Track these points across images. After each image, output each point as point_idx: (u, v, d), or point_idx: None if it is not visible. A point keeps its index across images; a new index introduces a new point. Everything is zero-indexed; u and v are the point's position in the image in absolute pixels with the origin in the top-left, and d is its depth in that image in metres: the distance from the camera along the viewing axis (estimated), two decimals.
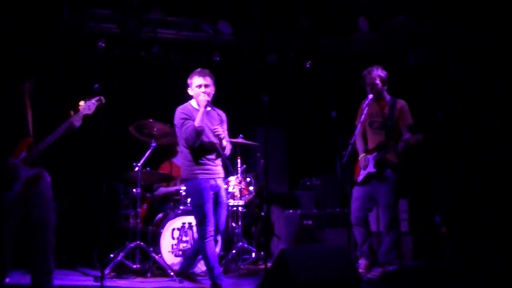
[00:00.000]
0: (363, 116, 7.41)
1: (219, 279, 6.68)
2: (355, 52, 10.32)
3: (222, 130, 6.79)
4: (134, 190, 7.92)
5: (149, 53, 9.45)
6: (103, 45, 9.00)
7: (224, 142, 6.79)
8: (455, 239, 8.06)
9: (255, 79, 10.07)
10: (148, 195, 8.58)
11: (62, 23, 8.41)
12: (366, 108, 7.41)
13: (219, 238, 7.76)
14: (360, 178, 7.64)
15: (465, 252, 7.95)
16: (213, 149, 6.74)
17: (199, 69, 6.91)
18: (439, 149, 9.00)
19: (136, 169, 7.83)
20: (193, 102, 6.91)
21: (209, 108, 6.85)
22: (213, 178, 6.77)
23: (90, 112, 6.43)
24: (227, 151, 6.89)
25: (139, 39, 9.21)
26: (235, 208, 8.25)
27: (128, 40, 9.14)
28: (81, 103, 6.43)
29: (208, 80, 6.83)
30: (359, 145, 7.73)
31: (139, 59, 9.52)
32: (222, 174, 6.92)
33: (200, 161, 6.73)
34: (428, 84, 8.99)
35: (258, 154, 8.78)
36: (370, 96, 7.36)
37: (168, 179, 8.65)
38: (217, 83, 9.65)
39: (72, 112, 6.35)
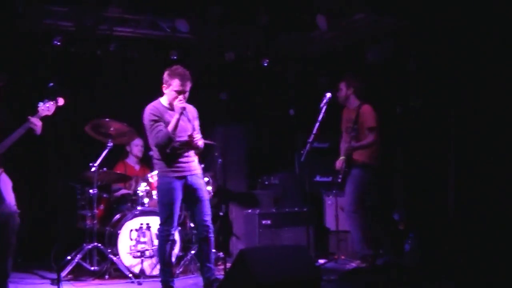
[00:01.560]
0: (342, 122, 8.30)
1: (173, 282, 6.63)
2: (314, 50, 10.32)
3: (195, 131, 6.56)
4: (90, 190, 7.82)
5: (106, 51, 9.33)
6: (59, 43, 8.87)
7: (200, 142, 6.56)
8: (414, 236, 8.10)
9: (213, 77, 10.02)
10: (105, 195, 8.48)
11: (17, 19, 8.25)
12: (344, 115, 8.30)
13: (177, 238, 7.73)
14: (340, 179, 8.10)
15: (424, 248, 8.00)
16: (188, 147, 6.53)
17: (180, 69, 6.54)
18: (397, 146, 9.07)
19: (93, 169, 7.71)
20: (163, 100, 6.62)
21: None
22: (186, 177, 6.53)
23: (49, 113, 6.40)
24: (201, 145, 6.63)
25: (96, 36, 9.09)
26: None
27: (84, 37, 9.02)
28: (40, 104, 6.36)
29: (188, 87, 6.49)
30: (341, 148, 8.31)
31: (96, 57, 9.40)
32: (197, 171, 6.65)
33: (172, 159, 6.50)
34: (387, 81, 9.03)
35: (216, 154, 8.73)
36: (328, 94, 7.40)
37: (125, 179, 8.58)
38: None
39: (29, 117, 6.27)
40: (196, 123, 6.68)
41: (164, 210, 6.52)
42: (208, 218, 6.61)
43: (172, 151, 6.46)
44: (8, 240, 6.33)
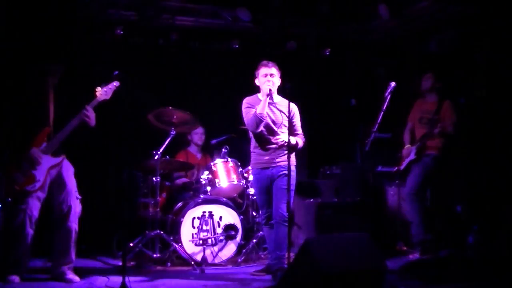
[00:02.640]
0: (414, 113, 8.45)
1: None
2: (375, 39, 10.20)
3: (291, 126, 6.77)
4: (153, 178, 7.87)
5: (167, 41, 9.40)
6: (121, 32, 8.94)
7: (292, 140, 6.66)
8: (478, 228, 7.97)
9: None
10: (167, 183, 8.53)
11: (80, 10, 8.33)
12: (417, 106, 8.44)
13: (239, 226, 7.75)
14: (403, 166, 8.31)
15: (488, 242, 7.86)
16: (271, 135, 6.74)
17: (265, 61, 6.81)
18: (461, 137, 8.89)
19: (156, 157, 7.76)
20: (259, 95, 6.86)
21: (273, 100, 6.79)
22: (269, 168, 6.75)
23: (107, 97, 6.44)
24: (298, 144, 6.79)
25: (158, 26, 9.14)
26: (255, 197, 8.18)
27: (146, 27, 9.07)
28: (98, 89, 6.42)
29: (273, 70, 6.75)
30: (406, 138, 8.53)
31: (158, 46, 9.46)
32: (282, 163, 6.71)
33: (259, 150, 6.81)
34: (450, 71, 8.87)
35: None
36: (393, 83, 7.28)
37: (187, 168, 8.60)
38: (237, 71, 9.65)
39: (86, 106, 6.33)
40: (296, 119, 6.95)
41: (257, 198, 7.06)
42: (281, 205, 6.66)
43: (260, 142, 6.80)
44: (70, 225, 6.42)
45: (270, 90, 6.64)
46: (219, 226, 7.76)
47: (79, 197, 6.52)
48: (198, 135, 9.02)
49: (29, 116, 6.29)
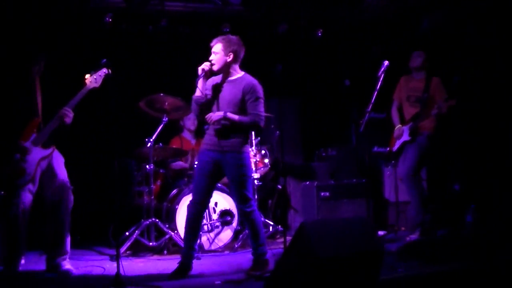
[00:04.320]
0: (400, 91, 8.27)
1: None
2: (367, 19, 10.09)
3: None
4: (147, 166, 7.81)
5: (157, 27, 9.29)
6: (110, 20, 8.84)
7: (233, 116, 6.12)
8: (475, 207, 7.92)
9: (266, 50, 9.89)
10: (161, 171, 8.46)
11: None
12: (404, 83, 8.23)
13: (235, 212, 7.69)
14: (396, 147, 8.15)
15: (486, 220, 7.81)
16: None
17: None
18: (456, 116, 8.82)
19: (149, 145, 7.70)
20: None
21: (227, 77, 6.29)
22: (214, 151, 6.24)
23: (97, 85, 6.36)
24: (243, 122, 6.14)
25: (146, 12, 9.04)
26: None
27: (135, 14, 8.97)
28: (87, 76, 6.33)
29: (216, 47, 6.21)
30: (395, 117, 8.27)
31: (147, 33, 9.37)
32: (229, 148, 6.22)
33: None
34: (443, 49, 8.79)
35: (272, 126, 8.62)
36: (386, 62, 7.19)
37: (181, 154, 8.53)
38: None
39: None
40: (248, 97, 6.18)
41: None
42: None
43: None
44: (63, 216, 6.34)
45: (202, 69, 6.15)
46: (214, 212, 7.70)
47: (71, 187, 6.43)
48: (190, 120, 8.92)
49: (16, 107, 6.20)
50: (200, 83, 6.21)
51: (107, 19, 8.86)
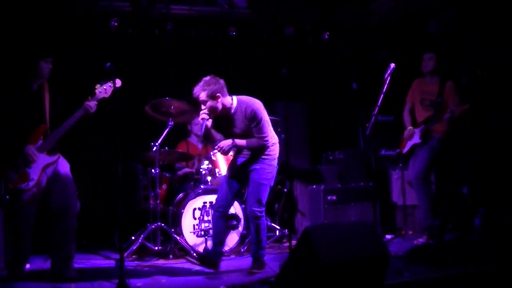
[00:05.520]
0: (413, 93, 8.27)
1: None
2: (374, 22, 10.06)
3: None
4: (153, 170, 7.79)
5: (163, 31, 9.28)
6: (116, 24, 8.84)
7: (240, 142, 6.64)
8: (484, 210, 7.86)
9: (272, 53, 9.88)
10: (167, 175, 8.45)
11: (72, 1, 8.24)
12: (417, 86, 8.24)
13: (241, 216, 7.69)
14: (406, 149, 8.18)
15: (495, 224, 7.75)
16: None
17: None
18: (464, 118, 8.77)
19: (154, 149, 7.68)
20: None
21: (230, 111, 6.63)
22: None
23: (106, 95, 6.37)
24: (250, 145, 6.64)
25: (152, 16, 9.04)
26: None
27: (141, 18, 8.97)
28: (97, 86, 6.34)
29: (201, 96, 6.47)
30: (407, 119, 8.32)
31: (153, 37, 9.36)
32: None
33: None
34: (451, 51, 8.73)
35: (279, 129, 8.59)
36: (392, 65, 7.14)
37: (187, 158, 8.50)
38: (234, 59, 9.53)
39: (89, 97, 6.26)
40: (253, 124, 6.55)
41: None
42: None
43: None
44: (69, 221, 6.35)
45: (202, 119, 6.49)
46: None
47: (76, 192, 6.44)
48: (198, 126, 8.85)
49: (23, 112, 6.19)
50: (209, 133, 6.65)
51: (113, 23, 8.85)
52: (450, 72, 8.24)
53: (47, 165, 6.20)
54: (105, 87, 6.35)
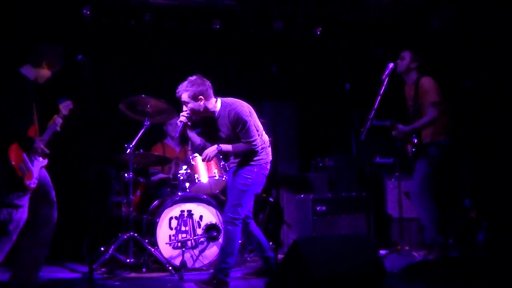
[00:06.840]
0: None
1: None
2: (371, 17, 10.06)
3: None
4: (126, 174, 7.72)
5: (140, 22, 9.24)
6: (88, 12, 8.77)
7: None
8: (488, 225, 7.86)
9: (260, 49, 9.87)
10: (142, 180, 8.38)
11: None
12: (405, 92, 8.01)
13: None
14: (410, 153, 7.97)
15: (498, 239, 7.76)
16: None
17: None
18: (467, 125, 8.77)
19: (128, 151, 7.60)
20: None
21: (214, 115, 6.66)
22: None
23: (66, 113, 6.54)
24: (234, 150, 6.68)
25: (129, 5, 9.00)
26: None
27: (116, 6, 8.91)
28: (61, 101, 6.54)
29: (183, 96, 6.48)
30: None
31: (130, 28, 9.31)
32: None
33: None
34: (455, 50, 8.74)
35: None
36: (391, 65, 7.12)
37: (164, 162, 8.48)
38: (218, 54, 9.50)
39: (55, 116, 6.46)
40: (238, 130, 6.57)
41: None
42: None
43: None
44: (51, 230, 6.37)
45: (180, 122, 6.54)
46: (199, 227, 7.61)
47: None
48: (173, 126, 8.81)
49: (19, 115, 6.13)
50: (189, 135, 6.74)
51: (85, 11, 8.79)
52: (452, 71, 8.25)
53: (41, 167, 6.27)
54: (66, 104, 6.53)
